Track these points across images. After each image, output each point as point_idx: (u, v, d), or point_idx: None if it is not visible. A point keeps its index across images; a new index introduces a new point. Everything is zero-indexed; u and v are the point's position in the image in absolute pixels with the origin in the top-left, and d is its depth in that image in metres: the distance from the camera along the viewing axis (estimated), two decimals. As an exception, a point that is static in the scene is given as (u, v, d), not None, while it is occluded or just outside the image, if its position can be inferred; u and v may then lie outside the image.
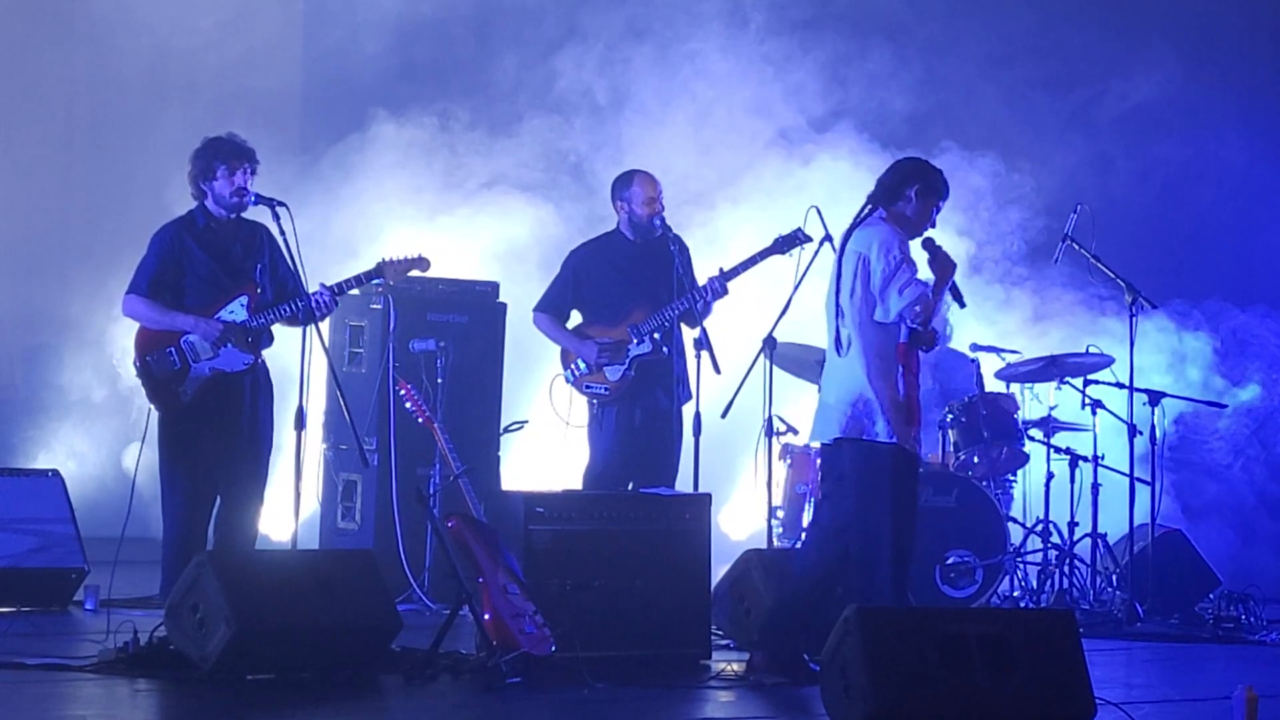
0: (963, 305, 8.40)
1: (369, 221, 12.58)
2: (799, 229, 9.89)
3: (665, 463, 9.99)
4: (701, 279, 10.02)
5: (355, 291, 9.64)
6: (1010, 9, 14.05)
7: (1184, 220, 14.32)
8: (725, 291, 9.95)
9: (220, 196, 9.08)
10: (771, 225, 10.32)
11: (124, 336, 9.74)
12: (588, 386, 10.12)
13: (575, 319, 10.29)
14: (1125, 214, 13.53)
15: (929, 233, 8.29)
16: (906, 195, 8.26)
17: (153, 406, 9.11)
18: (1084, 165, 13.74)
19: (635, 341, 10.03)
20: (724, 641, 9.20)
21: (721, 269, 9.98)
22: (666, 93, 13.41)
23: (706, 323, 9.87)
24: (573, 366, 10.16)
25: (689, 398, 10.00)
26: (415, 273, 9.44)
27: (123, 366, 11.77)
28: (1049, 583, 11.15)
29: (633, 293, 10.09)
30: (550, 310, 10.26)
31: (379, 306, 10.66)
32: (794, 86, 13.40)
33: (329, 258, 11.23)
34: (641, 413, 10.07)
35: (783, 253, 9.94)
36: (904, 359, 8.23)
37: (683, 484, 9.80)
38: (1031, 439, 11.42)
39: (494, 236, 12.89)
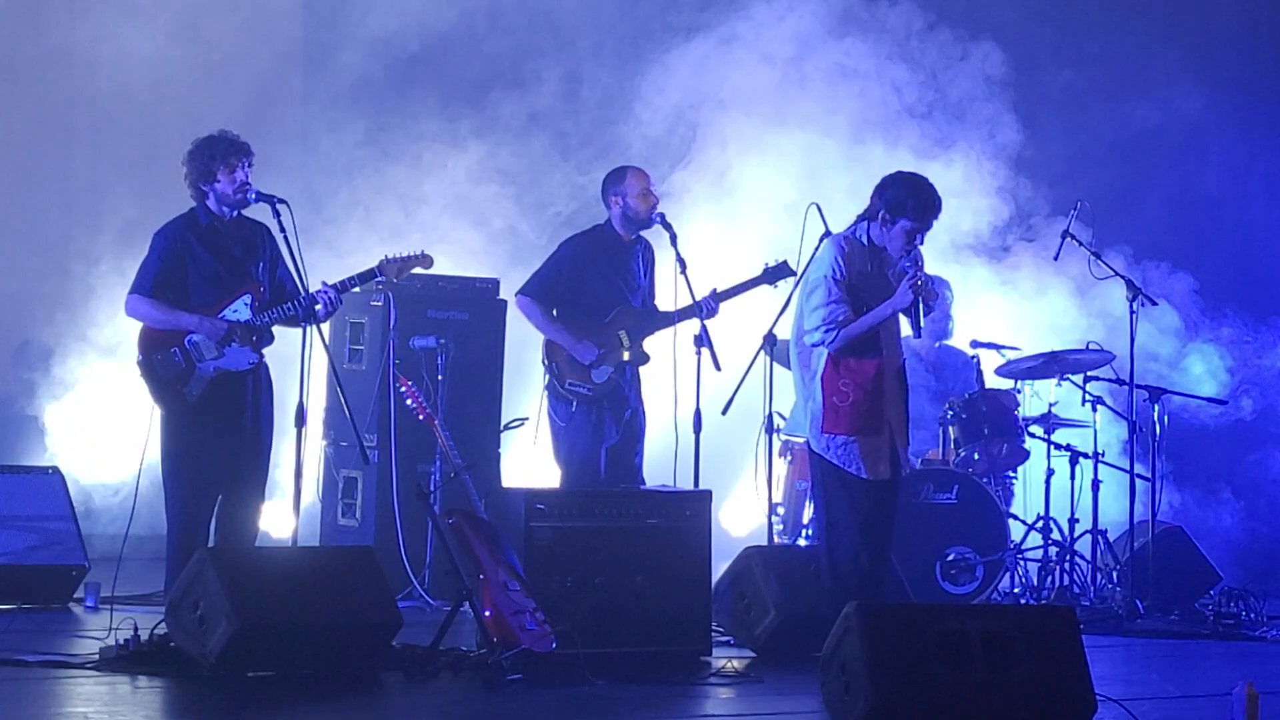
0: (916, 334, 8.40)
1: (370, 226, 12.62)
2: (785, 262, 9.97)
3: (635, 463, 10.05)
4: (697, 290, 10.06)
5: (356, 289, 9.63)
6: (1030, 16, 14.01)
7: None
8: (716, 311, 10.03)
9: (223, 195, 9.06)
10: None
11: (127, 333, 9.71)
12: (571, 384, 10.10)
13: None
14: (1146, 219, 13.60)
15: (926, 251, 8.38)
16: (878, 213, 8.32)
17: (156, 405, 9.09)
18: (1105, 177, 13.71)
19: (627, 348, 10.06)
20: (724, 638, 9.21)
21: (715, 290, 10.03)
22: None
23: (707, 320, 9.91)
24: (559, 360, 10.12)
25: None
26: (418, 270, 9.43)
27: (126, 364, 11.76)
28: (1049, 579, 11.16)
29: (621, 292, 10.12)
30: (538, 297, 10.20)
31: (379, 303, 10.64)
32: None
33: (329, 258, 11.26)
34: (620, 414, 10.08)
35: (770, 284, 10.06)
36: (840, 367, 8.23)
37: (683, 481, 9.80)
38: (1032, 435, 11.43)
39: (495, 238, 12.92)
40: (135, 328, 9.16)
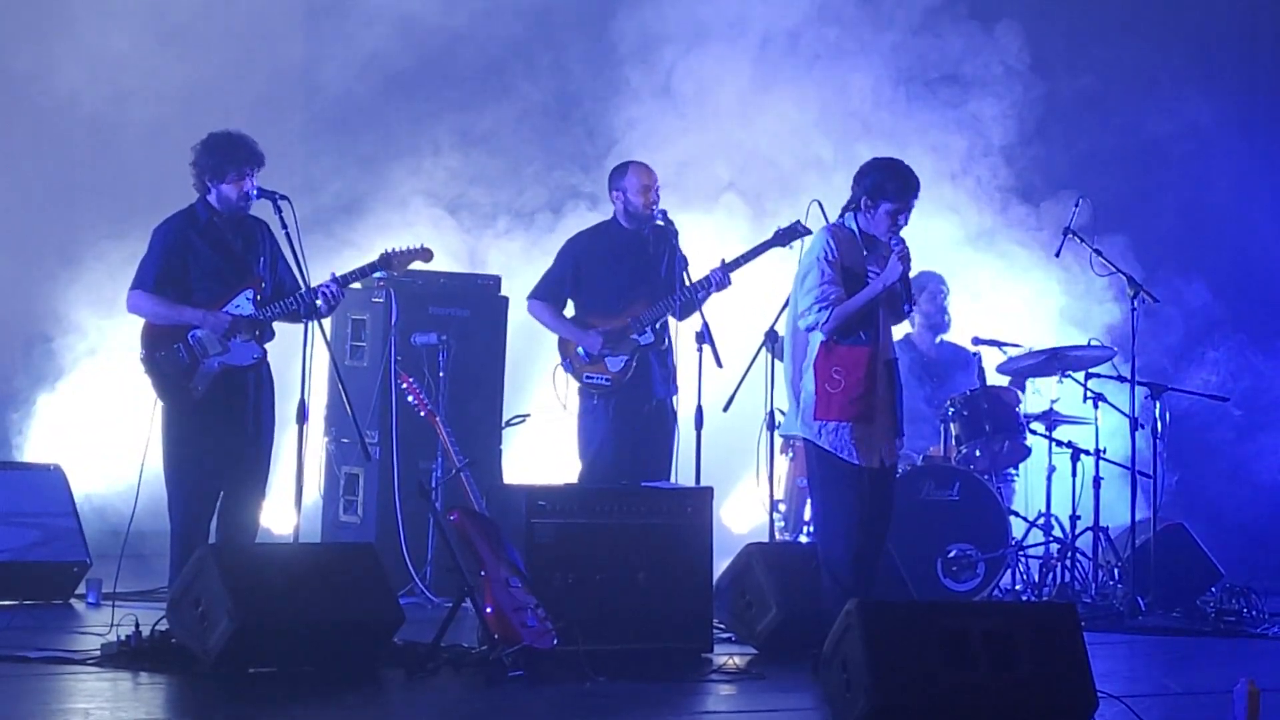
0: (907, 310, 8.50)
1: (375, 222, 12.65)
2: (798, 221, 9.89)
3: (663, 454, 10.01)
4: (701, 269, 10.03)
5: (357, 285, 9.63)
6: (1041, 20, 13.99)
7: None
8: (729, 283, 9.95)
9: (226, 199, 9.05)
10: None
11: (127, 330, 9.70)
12: (588, 377, 10.11)
13: (570, 310, 10.29)
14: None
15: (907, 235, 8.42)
16: (860, 200, 8.36)
17: (160, 400, 9.08)
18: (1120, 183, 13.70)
19: (638, 332, 10.04)
20: (725, 635, 9.21)
21: (724, 260, 9.99)
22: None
23: (708, 316, 9.86)
24: (572, 356, 10.15)
25: (677, 390, 10.04)
26: (418, 264, 9.43)
27: (127, 361, 11.76)
28: (1051, 576, 11.16)
29: (633, 283, 10.10)
30: (548, 298, 10.24)
31: (381, 300, 10.66)
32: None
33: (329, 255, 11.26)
34: (641, 404, 10.06)
35: (783, 245, 9.96)
36: (832, 355, 8.25)
37: (685, 478, 9.80)
38: (1033, 432, 11.43)
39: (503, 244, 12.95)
40: (112, 341, 9.14)
